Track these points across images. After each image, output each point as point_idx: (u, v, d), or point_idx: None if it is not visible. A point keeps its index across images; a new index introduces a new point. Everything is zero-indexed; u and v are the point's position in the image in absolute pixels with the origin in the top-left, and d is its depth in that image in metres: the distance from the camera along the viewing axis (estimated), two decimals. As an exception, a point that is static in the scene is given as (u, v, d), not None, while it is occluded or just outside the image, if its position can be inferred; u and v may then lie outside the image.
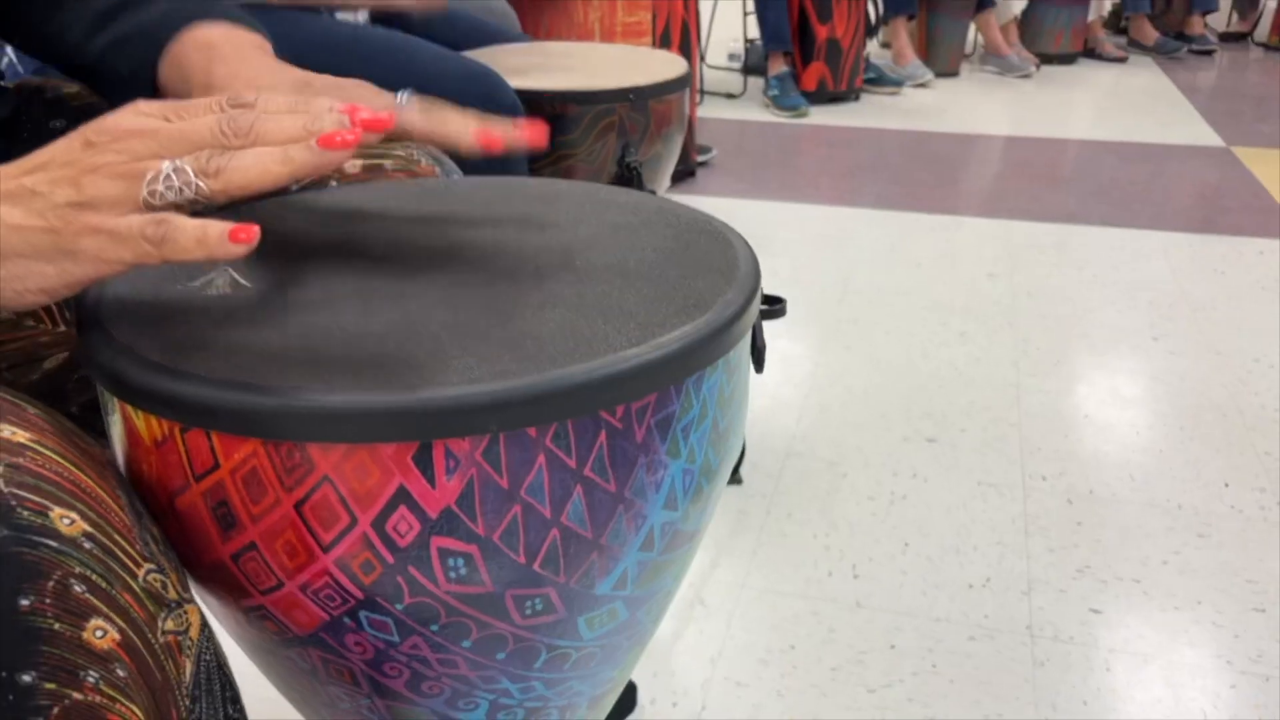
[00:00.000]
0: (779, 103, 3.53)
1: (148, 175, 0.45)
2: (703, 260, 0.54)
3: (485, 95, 1.14)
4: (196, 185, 0.46)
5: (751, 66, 3.89)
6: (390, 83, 1.13)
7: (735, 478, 1.47)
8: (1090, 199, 2.71)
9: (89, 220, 0.45)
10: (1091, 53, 4.43)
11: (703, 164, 2.95)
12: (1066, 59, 4.34)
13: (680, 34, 2.62)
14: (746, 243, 0.57)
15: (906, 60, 3.96)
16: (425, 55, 1.15)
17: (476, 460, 0.43)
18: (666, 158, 1.37)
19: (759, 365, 0.58)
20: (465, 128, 0.56)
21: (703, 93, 3.69)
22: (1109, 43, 4.47)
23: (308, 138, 0.47)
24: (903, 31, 3.98)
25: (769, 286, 2.15)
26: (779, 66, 3.57)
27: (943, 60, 4.10)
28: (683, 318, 0.48)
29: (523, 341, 0.46)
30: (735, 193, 2.76)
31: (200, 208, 0.47)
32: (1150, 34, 4.53)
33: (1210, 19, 4.77)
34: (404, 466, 0.43)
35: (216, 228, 0.45)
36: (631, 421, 0.46)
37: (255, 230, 0.45)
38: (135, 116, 0.47)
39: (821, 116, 3.54)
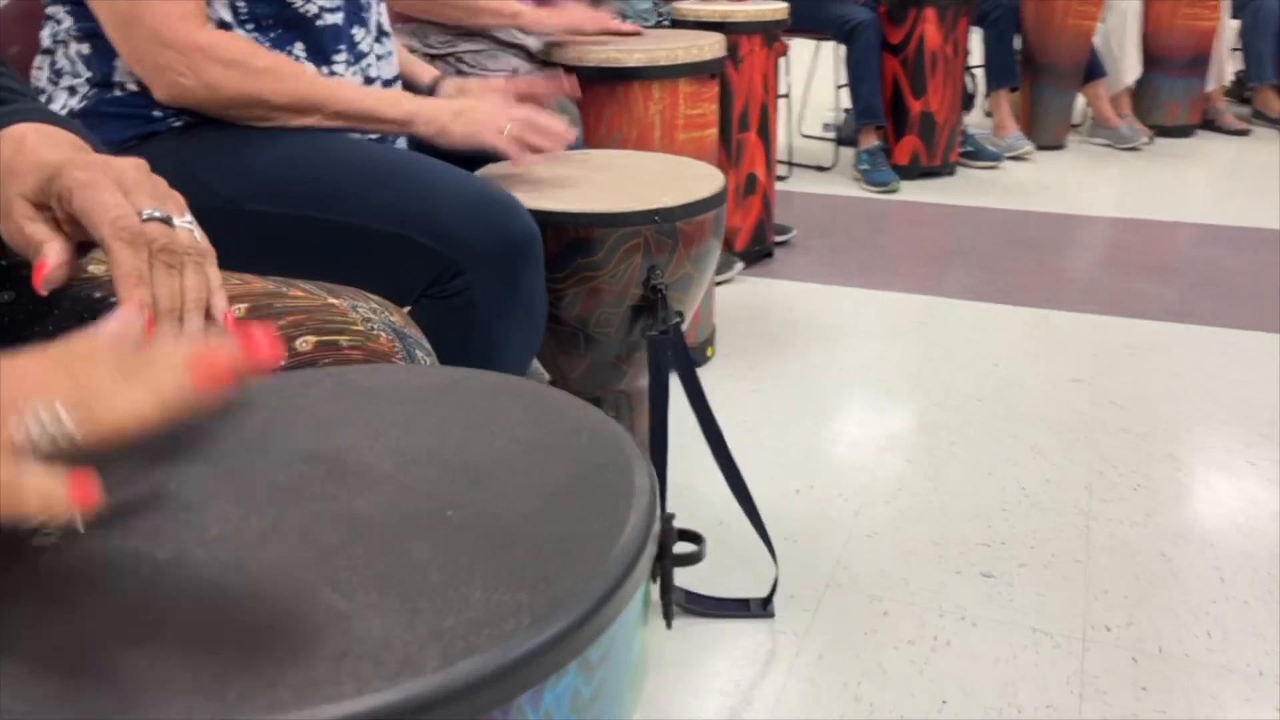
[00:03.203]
0: (869, 178, 3.44)
1: (13, 419, 0.42)
2: (590, 517, 0.48)
3: (498, 222, 1.10)
4: (67, 430, 0.42)
5: (845, 138, 3.81)
6: (402, 206, 1.11)
7: (768, 611, 1.39)
8: (1194, 292, 2.54)
9: None
10: (1211, 124, 4.21)
11: (781, 244, 2.88)
12: (1183, 131, 4.13)
13: (759, 117, 2.57)
14: (653, 485, 0.51)
15: (1007, 132, 3.83)
16: (441, 180, 1.12)
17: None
18: (698, 277, 1.31)
19: (668, 619, 0.52)
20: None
21: (790, 164, 3.63)
22: (1230, 114, 4.23)
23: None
24: (1004, 103, 3.85)
25: (836, 381, 2.06)
26: (870, 140, 3.48)
27: (1047, 132, 3.94)
28: (522, 617, 0.41)
29: (319, 661, 0.40)
30: (811, 276, 2.68)
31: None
32: (1276, 105, 4.28)
33: (1346, 88, 4.49)
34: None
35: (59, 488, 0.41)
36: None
37: (94, 492, 0.42)
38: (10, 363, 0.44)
39: (912, 192, 3.43)
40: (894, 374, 2.11)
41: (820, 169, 3.71)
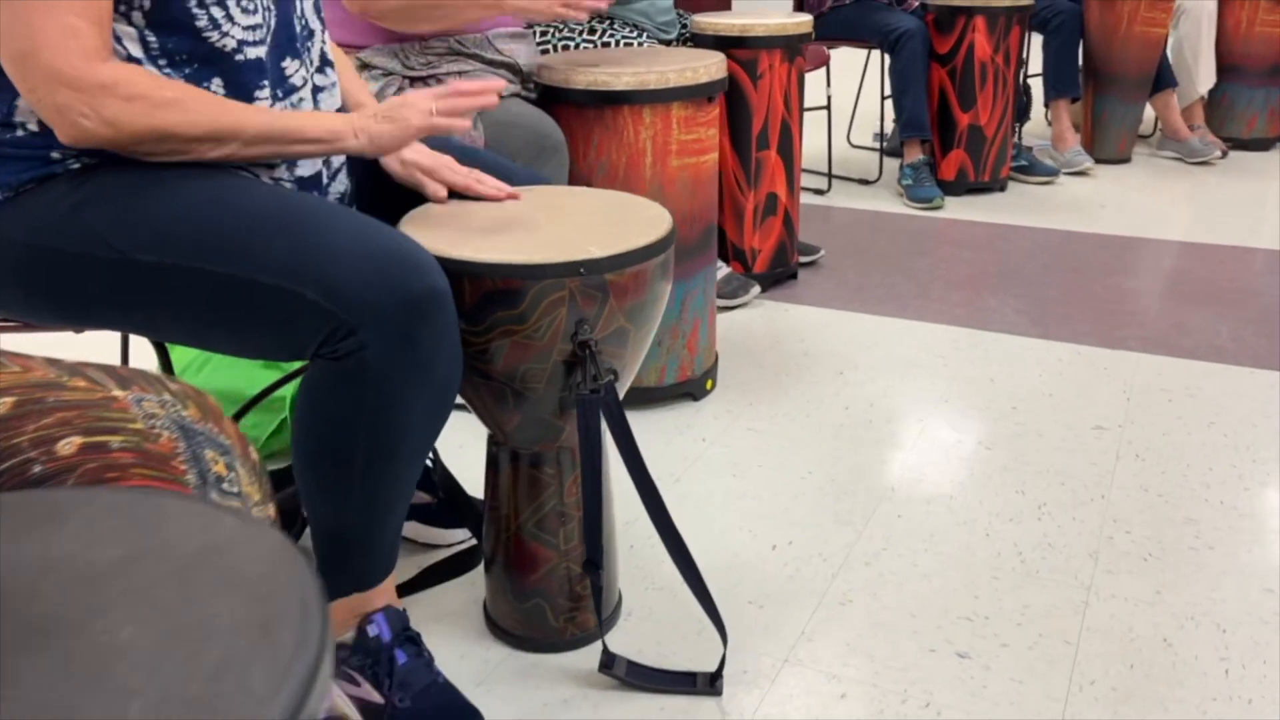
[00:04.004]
0: (911, 194, 3.29)
1: None
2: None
3: (394, 278, 1.02)
4: None
5: (891, 150, 3.65)
6: (291, 258, 1.03)
7: (715, 688, 1.29)
8: (1248, 328, 2.34)
9: None
10: (1293, 138, 3.94)
11: (807, 264, 2.75)
12: (1261, 145, 3.87)
13: (780, 134, 2.45)
14: (313, 688, 0.42)
15: (1066, 145, 3.63)
16: (339, 231, 1.04)
17: None
18: (636, 331, 1.21)
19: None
20: None
21: (830, 177, 3.49)
22: (1316, 126, 3.96)
23: None
24: (1064, 114, 3.65)
25: (837, 421, 1.94)
26: (915, 154, 3.33)
27: (1110, 145, 3.72)
28: None
29: None
30: (832, 301, 2.55)
31: None
32: (1368, 116, 3.98)
33: None
34: None
35: None
36: None
37: None
38: None
39: (958, 209, 3.27)
40: (900, 416, 1.97)
41: (864, 182, 3.56)
